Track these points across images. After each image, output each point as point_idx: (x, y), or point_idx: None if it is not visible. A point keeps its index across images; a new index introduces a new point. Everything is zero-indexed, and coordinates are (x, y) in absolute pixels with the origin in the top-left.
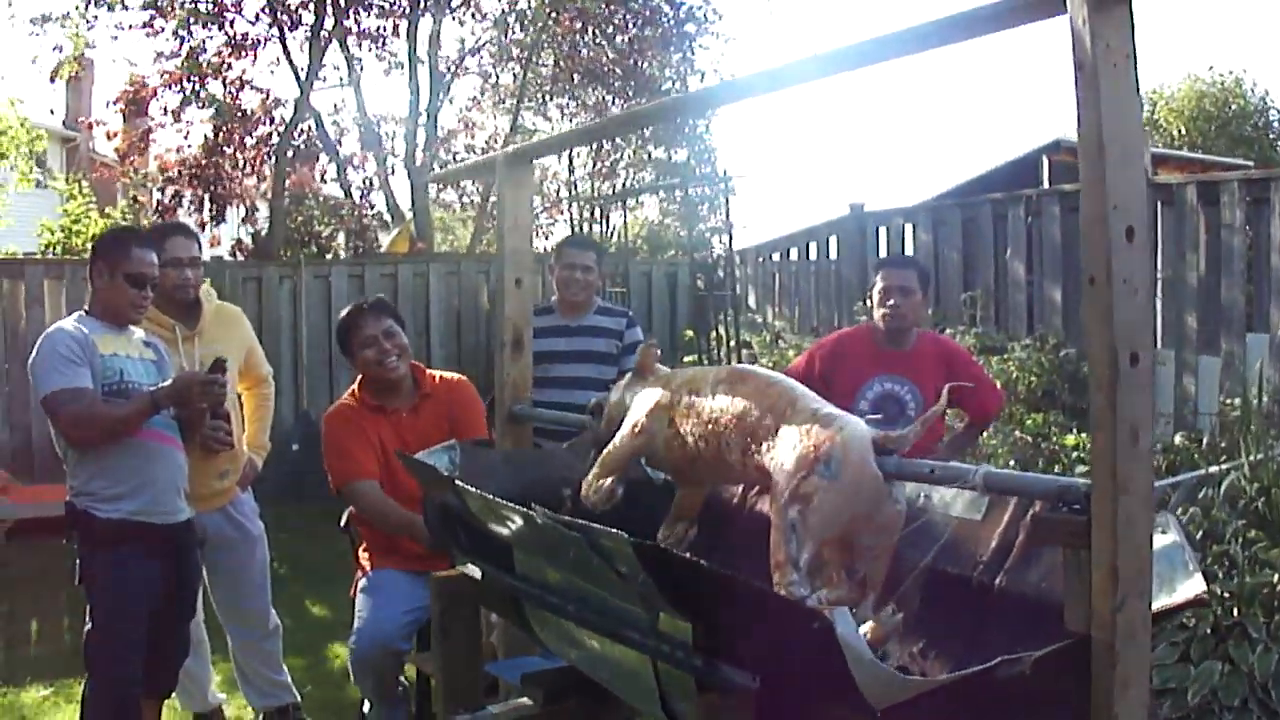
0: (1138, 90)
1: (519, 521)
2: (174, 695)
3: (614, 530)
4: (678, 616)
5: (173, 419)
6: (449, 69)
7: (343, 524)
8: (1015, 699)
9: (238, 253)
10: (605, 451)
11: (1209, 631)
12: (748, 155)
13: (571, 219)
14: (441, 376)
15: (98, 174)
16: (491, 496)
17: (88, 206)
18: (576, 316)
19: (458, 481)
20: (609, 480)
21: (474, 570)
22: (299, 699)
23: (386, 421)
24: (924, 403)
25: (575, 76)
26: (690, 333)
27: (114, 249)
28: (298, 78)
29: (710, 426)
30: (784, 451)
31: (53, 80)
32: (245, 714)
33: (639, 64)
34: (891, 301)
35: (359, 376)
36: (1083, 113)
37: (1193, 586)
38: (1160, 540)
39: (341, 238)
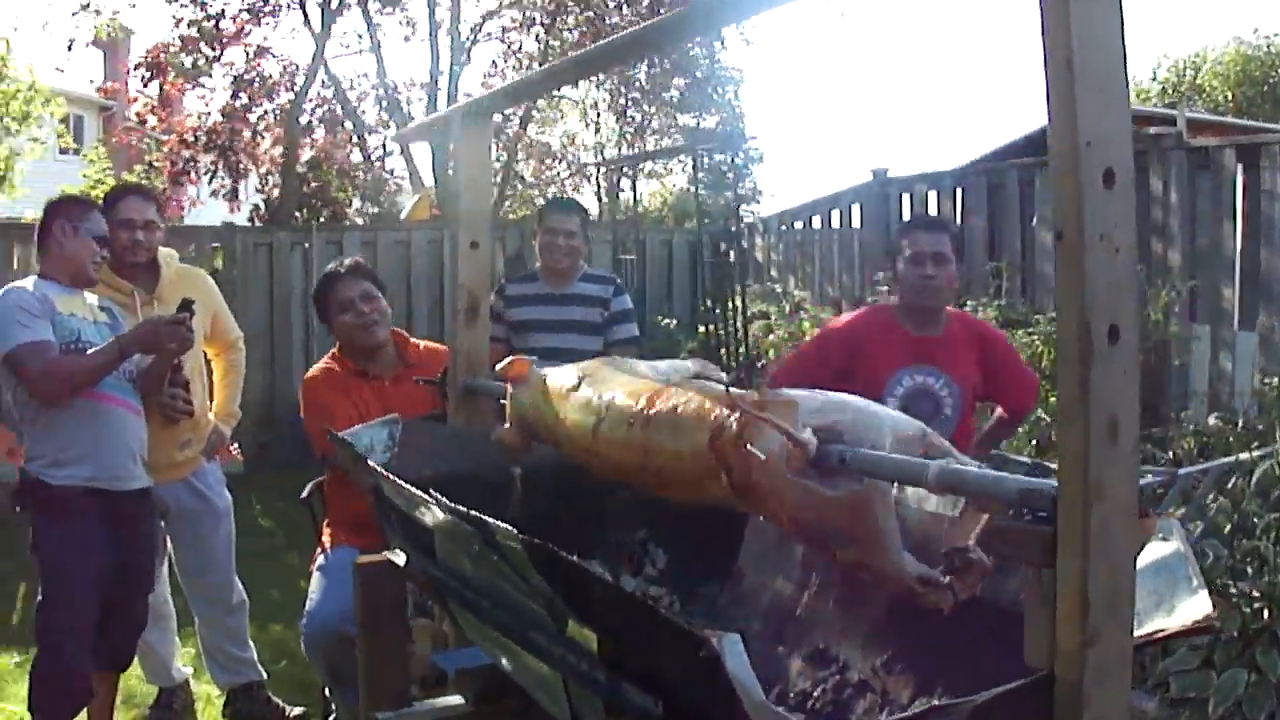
0: None
1: (424, 507)
2: (139, 669)
3: (504, 525)
4: (583, 625)
5: (129, 382)
6: (471, 34)
7: (304, 495)
8: None
9: (255, 219)
10: None
11: (1235, 635)
12: (776, 121)
13: (598, 186)
14: (426, 345)
15: (117, 139)
16: (394, 477)
17: (104, 172)
18: (561, 284)
19: (370, 461)
20: None
21: (400, 556)
22: (264, 677)
23: (369, 387)
24: (961, 396)
25: (594, 41)
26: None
27: (76, 207)
28: (317, 44)
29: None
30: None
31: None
32: (214, 690)
33: None
34: (926, 272)
35: (337, 344)
36: (1048, 23)
37: (1196, 608)
38: (1158, 549)
39: (358, 204)
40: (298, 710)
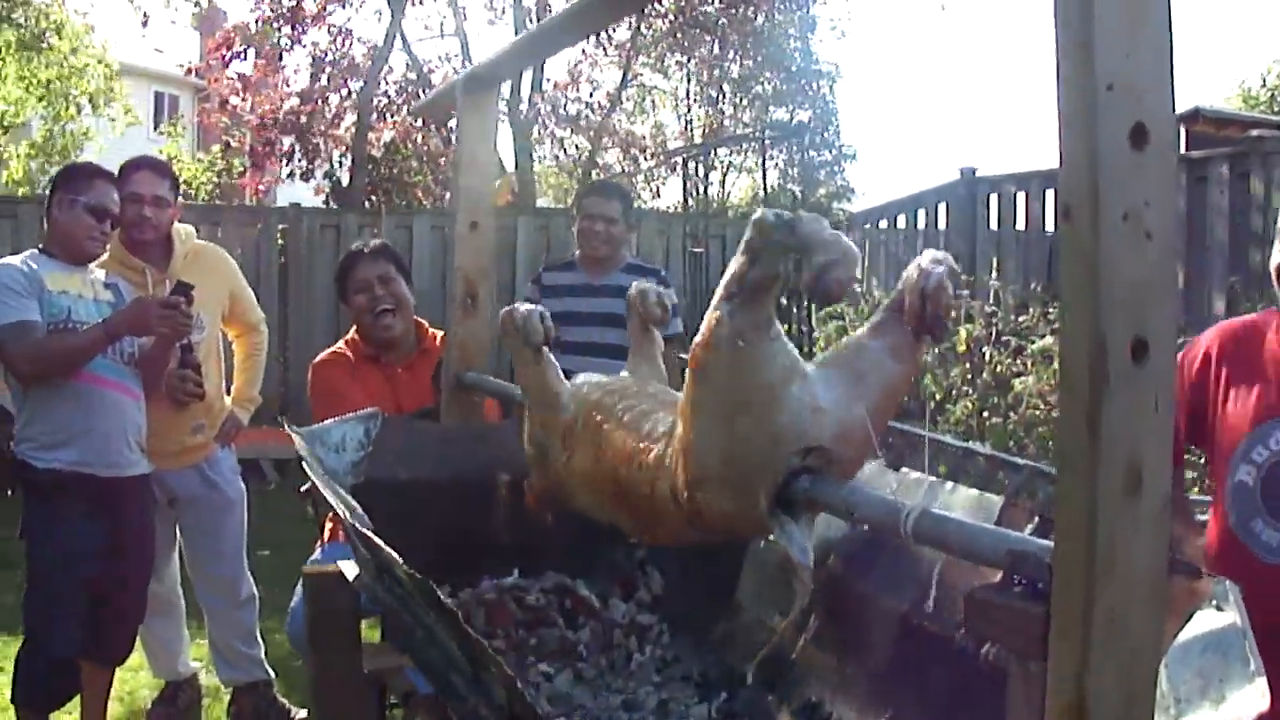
0: None
1: (349, 518)
2: (145, 661)
3: (415, 574)
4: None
5: (126, 363)
6: None
7: (304, 488)
8: None
9: (331, 201)
10: None
11: None
12: (869, 116)
13: (684, 178)
14: (444, 335)
15: (203, 119)
16: (332, 486)
17: (180, 151)
18: (600, 274)
19: (310, 462)
20: None
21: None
22: (271, 676)
23: (380, 373)
24: None
25: (684, 30)
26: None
27: (75, 178)
28: (391, 26)
29: None
30: None
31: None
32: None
33: (753, 16)
34: None
35: (354, 327)
36: None
37: (1252, 700)
38: (1210, 620)
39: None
40: (303, 713)
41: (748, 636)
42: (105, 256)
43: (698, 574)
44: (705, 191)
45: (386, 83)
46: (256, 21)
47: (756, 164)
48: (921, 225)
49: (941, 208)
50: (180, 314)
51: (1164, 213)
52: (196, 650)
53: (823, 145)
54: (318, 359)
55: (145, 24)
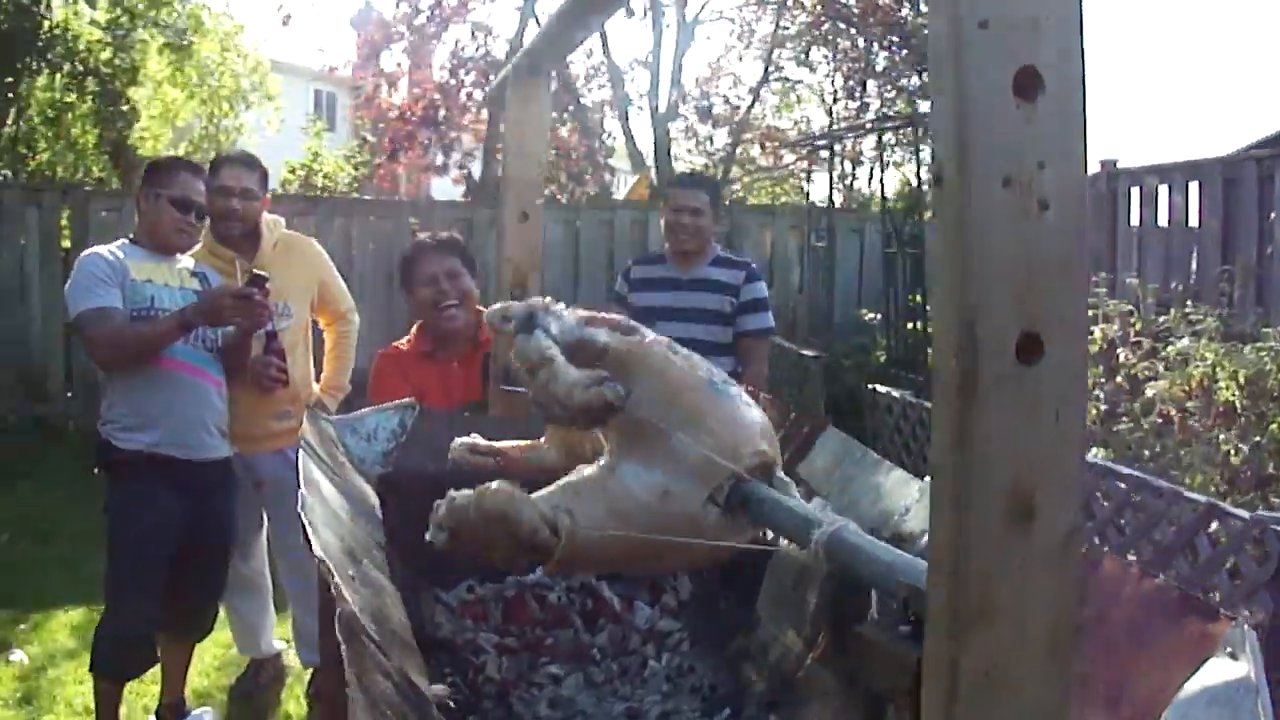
0: None
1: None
2: (231, 640)
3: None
4: None
5: (208, 350)
6: (698, 13)
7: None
8: None
9: (466, 196)
10: None
11: None
12: None
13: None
14: None
15: (360, 114)
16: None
17: (322, 147)
18: (688, 268)
19: (306, 450)
20: None
21: None
22: None
23: (434, 370)
24: None
25: (829, 23)
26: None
27: (161, 173)
28: (521, 21)
29: None
30: None
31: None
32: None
33: (897, 7)
34: None
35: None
36: None
37: None
38: (1221, 671)
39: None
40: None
41: (761, 651)
42: (197, 247)
43: (730, 581)
44: (851, 186)
45: None
46: (400, 18)
47: (905, 157)
48: None
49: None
50: (254, 304)
51: (1067, 178)
52: (282, 630)
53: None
54: (380, 351)
55: (286, 23)
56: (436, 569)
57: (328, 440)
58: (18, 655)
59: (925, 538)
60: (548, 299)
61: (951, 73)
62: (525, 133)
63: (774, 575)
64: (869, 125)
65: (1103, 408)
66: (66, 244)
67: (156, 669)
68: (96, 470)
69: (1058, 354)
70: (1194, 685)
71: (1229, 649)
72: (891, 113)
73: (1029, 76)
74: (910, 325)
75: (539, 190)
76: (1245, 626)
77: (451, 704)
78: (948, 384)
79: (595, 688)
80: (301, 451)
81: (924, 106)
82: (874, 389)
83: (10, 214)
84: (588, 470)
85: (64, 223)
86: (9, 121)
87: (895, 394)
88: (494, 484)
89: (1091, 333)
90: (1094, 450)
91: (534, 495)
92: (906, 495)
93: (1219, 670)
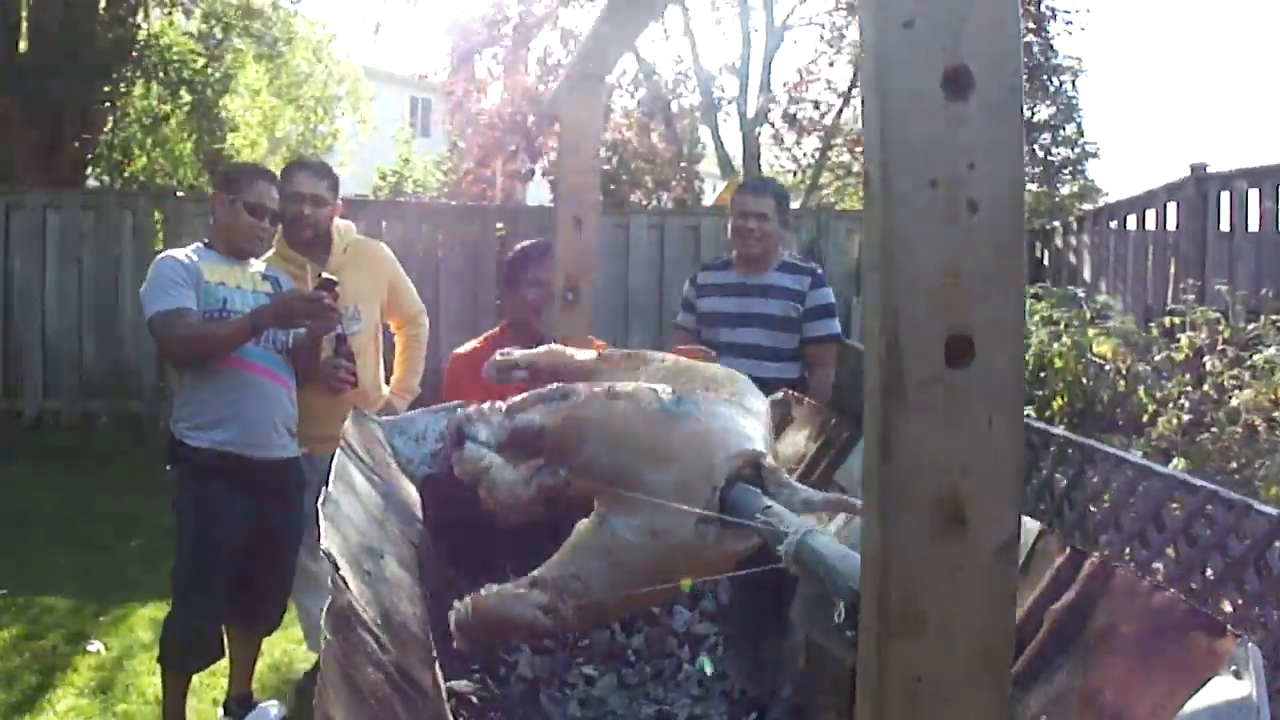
0: None
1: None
2: (300, 636)
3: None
4: None
5: (279, 352)
6: (786, 18)
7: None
8: None
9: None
10: None
11: None
12: (1107, 112)
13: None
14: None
15: (452, 123)
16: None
17: (412, 154)
18: (754, 274)
19: (345, 450)
20: None
21: None
22: None
23: None
24: None
25: None
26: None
27: (236, 179)
28: None
29: None
30: None
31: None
32: None
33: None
34: None
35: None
36: None
37: None
38: (1223, 690)
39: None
40: None
41: (792, 657)
42: (269, 251)
43: (771, 586)
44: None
45: (619, 85)
46: (490, 25)
47: None
48: (1152, 225)
49: (1171, 207)
50: (324, 307)
51: (998, 180)
52: None
53: (1064, 143)
54: (458, 351)
55: (376, 31)
56: (477, 567)
57: (372, 440)
58: (95, 646)
59: None
60: (472, 407)
61: (876, 73)
62: (578, 136)
63: (807, 579)
64: None
65: (1186, 417)
66: (160, 248)
67: (225, 663)
68: (168, 467)
69: (989, 357)
70: (1196, 703)
71: (1234, 667)
72: None
73: (959, 75)
74: None
75: (595, 195)
76: (1250, 645)
77: (474, 699)
78: (873, 388)
79: (628, 689)
80: (339, 450)
81: None
82: None
83: (107, 218)
84: (584, 525)
85: (158, 227)
86: (107, 129)
87: None
88: (484, 590)
89: (1178, 340)
90: (1175, 461)
91: (537, 571)
92: None
93: (1223, 689)
